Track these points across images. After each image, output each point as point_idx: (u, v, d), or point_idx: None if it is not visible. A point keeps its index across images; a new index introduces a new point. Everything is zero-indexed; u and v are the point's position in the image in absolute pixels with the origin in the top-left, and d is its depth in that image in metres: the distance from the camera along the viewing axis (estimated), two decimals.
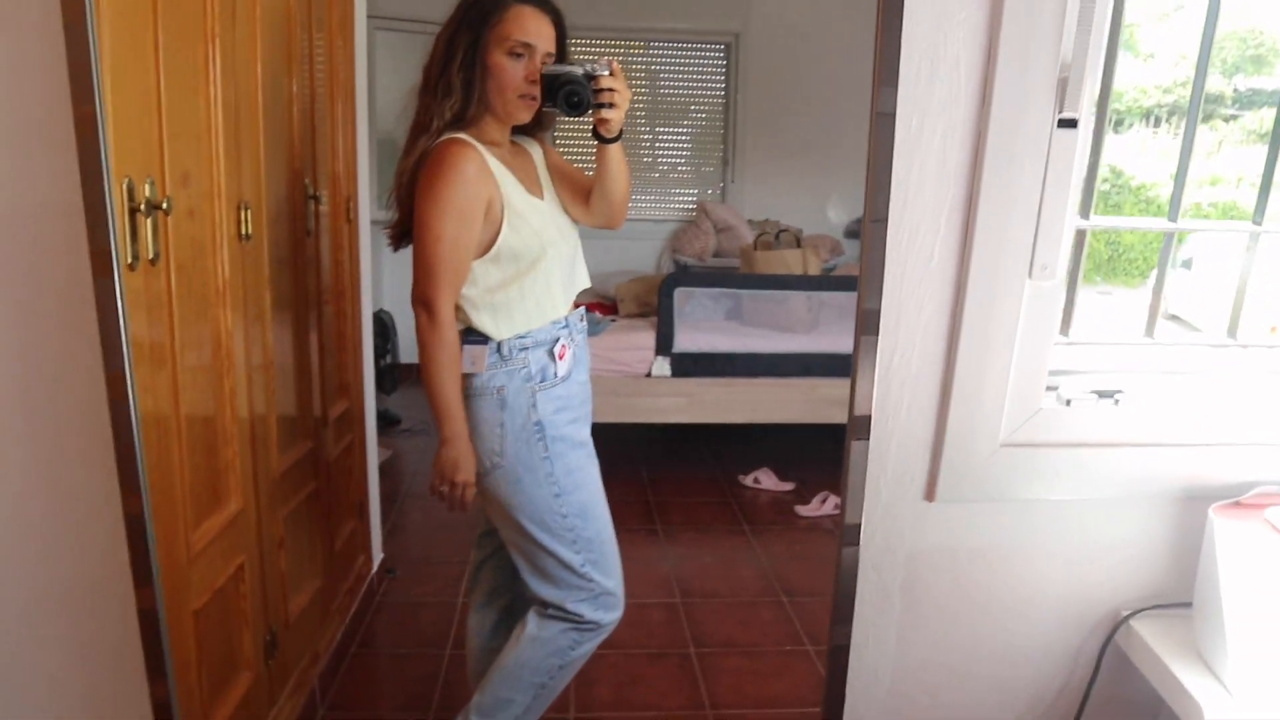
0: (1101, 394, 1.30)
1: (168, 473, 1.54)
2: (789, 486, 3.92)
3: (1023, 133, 1.15)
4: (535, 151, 1.85)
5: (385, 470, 4.01)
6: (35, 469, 1.32)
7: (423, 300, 1.66)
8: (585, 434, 1.83)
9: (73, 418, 1.32)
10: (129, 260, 1.38)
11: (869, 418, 1.14)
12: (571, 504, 1.75)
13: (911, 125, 1.13)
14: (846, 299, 4.07)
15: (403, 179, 1.71)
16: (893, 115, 1.08)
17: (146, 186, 1.43)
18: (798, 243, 4.26)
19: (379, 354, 4.39)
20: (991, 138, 1.14)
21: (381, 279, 5.20)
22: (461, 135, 1.66)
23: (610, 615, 1.83)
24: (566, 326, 1.77)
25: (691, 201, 5.59)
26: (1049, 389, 1.31)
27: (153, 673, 1.12)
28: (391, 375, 4.55)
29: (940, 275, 1.20)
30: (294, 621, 2.17)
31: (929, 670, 1.37)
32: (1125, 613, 1.38)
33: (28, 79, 1.26)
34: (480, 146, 1.67)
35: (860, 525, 1.19)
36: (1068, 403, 1.30)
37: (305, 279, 2.24)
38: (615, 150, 1.73)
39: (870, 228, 1.11)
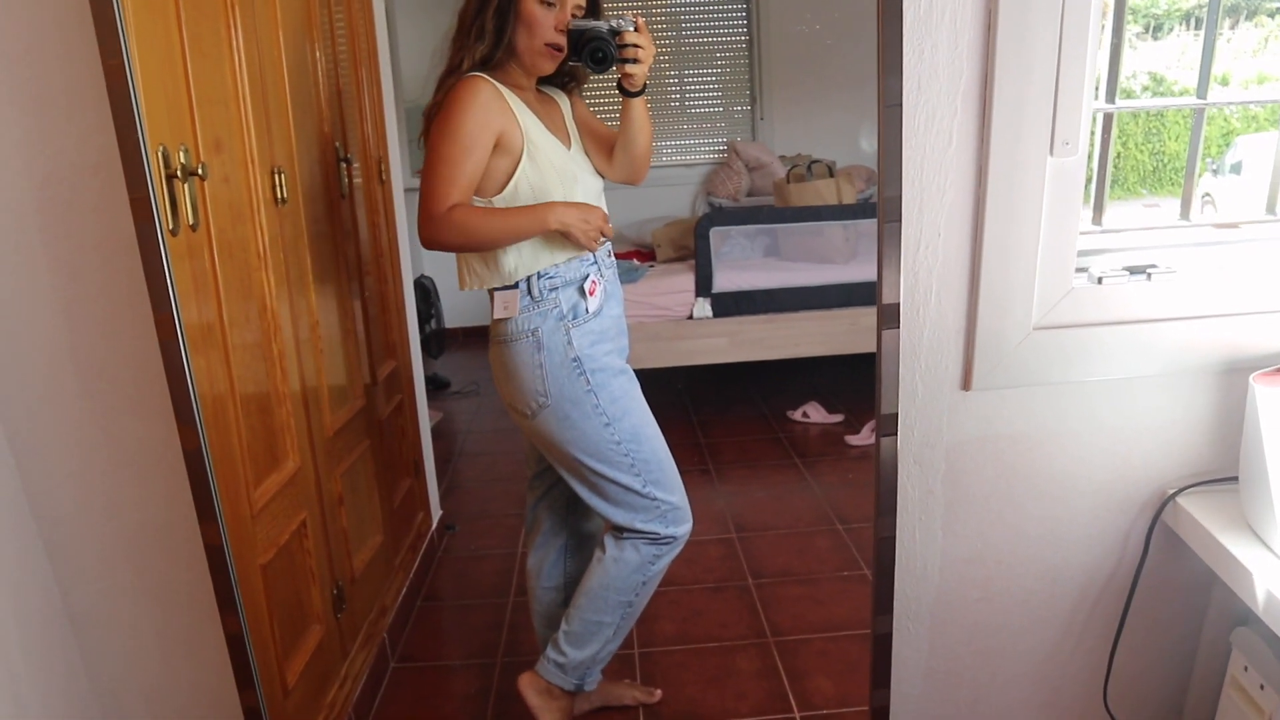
0: (1134, 270, 1.29)
1: (225, 431, 1.59)
2: (838, 418, 3.93)
3: (1034, 5, 1.13)
4: (563, 102, 1.89)
5: (438, 432, 4.09)
6: (93, 421, 1.37)
7: (425, 214, 1.69)
8: (624, 362, 1.86)
9: (124, 369, 1.37)
10: (170, 226, 1.42)
11: (897, 305, 1.14)
12: (623, 430, 1.78)
13: (920, 7, 1.12)
14: None
15: (429, 117, 1.75)
16: None
17: (180, 154, 1.46)
18: (830, 173, 4.22)
19: (423, 319, 4.45)
20: (1003, 13, 1.12)
21: (419, 246, 5.24)
22: (482, 74, 1.69)
23: (682, 528, 1.89)
24: (595, 263, 1.80)
25: (722, 143, 5.56)
26: (1079, 270, 1.30)
27: (223, 607, 1.17)
28: (437, 340, 4.62)
29: (960, 159, 1.19)
30: (359, 576, 2.24)
31: (978, 562, 1.38)
32: (1171, 491, 1.37)
33: (51, 44, 1.30)
34: (501, 86, 1.70)
35: (897, 415, 1.19)
36: (1099, 281, 1.28)
37: (343, 240, 2.28)
38: (639, 104, 1.77)
39: (886, 113, 1.11)
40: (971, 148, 1.18)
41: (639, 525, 1.84)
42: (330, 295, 2.18)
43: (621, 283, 1.94)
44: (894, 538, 1.23)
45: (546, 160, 1.72)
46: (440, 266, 4.96)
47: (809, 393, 4.15)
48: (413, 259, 3.09)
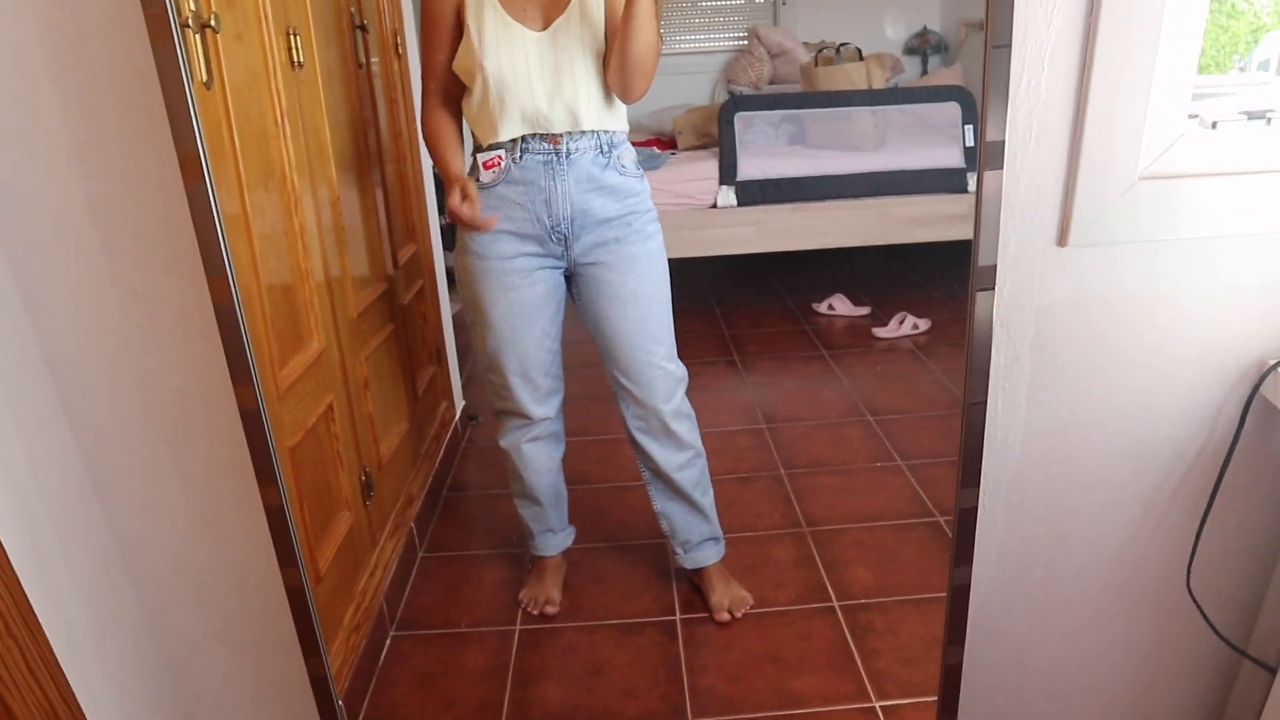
0: (1252, 115, 1.18)
1: (249, 307, 1.51)
2: (864, 310, 3.83)
3: None
4: None
5: (457, 323, 3.99)
6: (115, 277, 1.23)
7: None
8: (503, 248, 1.85)
9: (149, 222, 1.22)
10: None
11: (1002, 143, 1.02)
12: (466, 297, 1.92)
13: None
14: (914, 114, 3.89)
15: None
16: None
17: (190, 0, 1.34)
18: (859, 56, 4.04)
19: (440, 210, 4.31)
20: None
21: None
22: None
23: (503, 403, 2.01)
24: (518, 144, 1.72)
25: (742, 30, 5.32)
26: (1191, 116, 1.18)
27: (262, 479, 1.09)
28: (454, 232, 4.47)
29: None
30: (386, 463, 2.18)
31: (1061, 436, 1.29)
32: (1273, 361, 1.28)
33: None
34: None
35: (995, 268, 1.09)
36: (1213, 125, 1.17)
37: (362, 112, 2.16)
38: None
39: None
40: None
41: None
42: (350, 171, 2.07)
43: (644, 169, 1.82)
44: (984, 404, 1.14)
45: (468, 46, 1.65)
46: None
47: (834, 285, 4.04)
48: None
